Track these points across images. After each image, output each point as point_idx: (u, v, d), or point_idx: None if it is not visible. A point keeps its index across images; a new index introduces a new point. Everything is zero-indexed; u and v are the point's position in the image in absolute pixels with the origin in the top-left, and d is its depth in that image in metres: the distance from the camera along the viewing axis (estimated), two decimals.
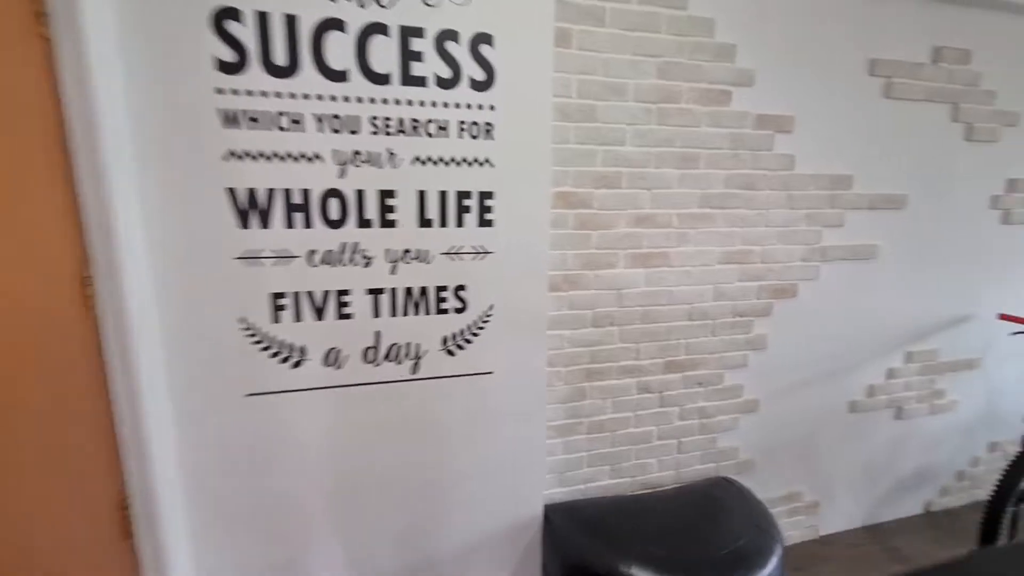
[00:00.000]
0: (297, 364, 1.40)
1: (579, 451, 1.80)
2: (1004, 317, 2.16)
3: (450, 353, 1.52)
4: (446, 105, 1.37)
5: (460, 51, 1.35)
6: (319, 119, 1.29)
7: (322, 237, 1.35)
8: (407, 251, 1.42)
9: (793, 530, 2.17)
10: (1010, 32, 1.93)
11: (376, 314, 1.43)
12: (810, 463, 2.12)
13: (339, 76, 1.28)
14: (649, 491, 1.89)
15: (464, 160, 1.41)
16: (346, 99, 1.30)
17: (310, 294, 1.37)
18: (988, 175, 2.05)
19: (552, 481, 1.79)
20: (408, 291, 1.45)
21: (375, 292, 1.42)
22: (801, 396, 2.03)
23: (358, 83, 1.30)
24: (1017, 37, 1.94)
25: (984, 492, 2.49)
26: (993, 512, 1.83)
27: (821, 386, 2.04)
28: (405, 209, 1.40)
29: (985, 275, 2.16)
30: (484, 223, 1.47)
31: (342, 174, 1.33)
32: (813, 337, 1.98)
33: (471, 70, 1.37)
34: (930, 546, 2.17)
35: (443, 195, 1.42)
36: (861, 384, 2.11)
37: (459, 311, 1.50)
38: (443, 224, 1.44)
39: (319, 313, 1.39)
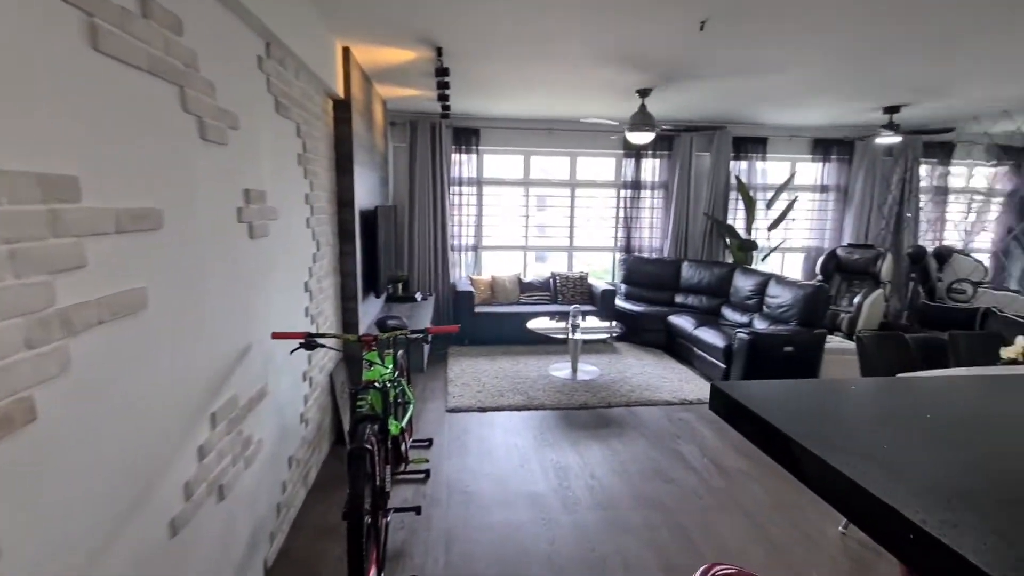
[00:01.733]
0: None
1: None
2: (276, 335, 2.02)
3: None
4: None
5: None
6: None
7: None
8: None
9: None
10: (213, 15, 1.61)
11: None
12: None
13: None
14: None
15: None
16: None
17: None
18: (229, 183, 1.74)
19: None
20: None
21: None
22: None
23: None
24: (218, 21, 1.66)
25: (295, 510, 2.45)
26: (354, 535, 1.68)
27: (126, 543, 1.19)
28: None
29: (251, 297, 1.92)
30: None
31: None
32: (84, 474, 1.08)
33: None
34: None
35: None
36: (175, 489, 1.41)
37: None
38: None
39: None
